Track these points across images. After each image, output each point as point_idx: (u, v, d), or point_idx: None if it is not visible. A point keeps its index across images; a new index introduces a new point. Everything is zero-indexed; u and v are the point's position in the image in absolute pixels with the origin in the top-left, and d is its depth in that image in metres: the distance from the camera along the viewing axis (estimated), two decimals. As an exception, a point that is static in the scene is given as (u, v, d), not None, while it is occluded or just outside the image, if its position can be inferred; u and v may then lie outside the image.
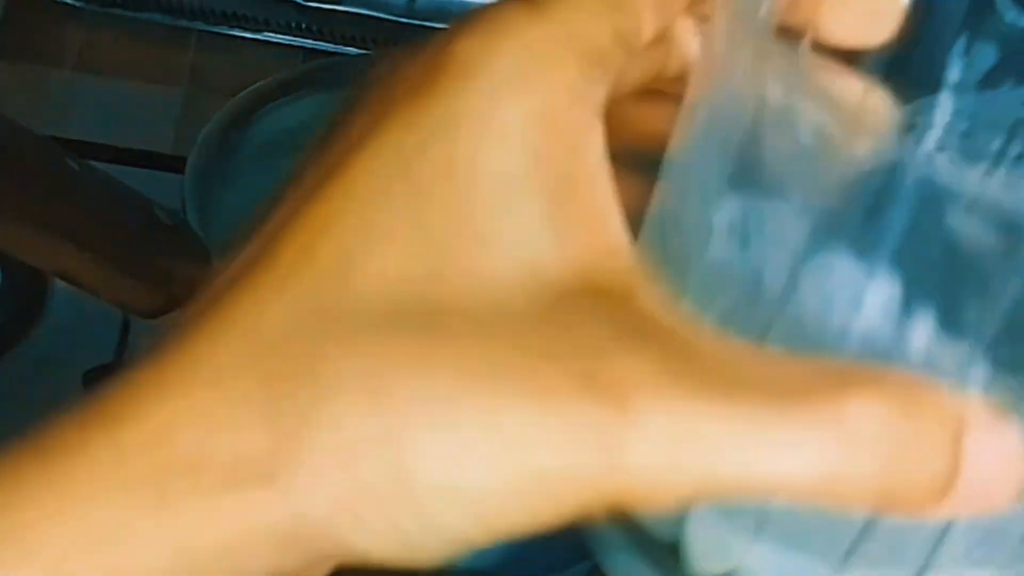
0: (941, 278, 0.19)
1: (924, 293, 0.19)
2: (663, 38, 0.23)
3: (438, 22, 0.71)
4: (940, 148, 0.25)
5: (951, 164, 0.24)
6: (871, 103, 0.23)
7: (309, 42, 0.72)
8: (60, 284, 0.62)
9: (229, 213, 0.61)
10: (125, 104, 0.70)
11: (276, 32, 0.72)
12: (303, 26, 0.73)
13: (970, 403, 0.18)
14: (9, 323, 0.62)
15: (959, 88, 0.25)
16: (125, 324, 0.58)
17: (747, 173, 0.21)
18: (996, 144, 0.25)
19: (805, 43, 0.22)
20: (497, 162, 0.20)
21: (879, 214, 0.19)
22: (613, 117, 0.21)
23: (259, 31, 0.72)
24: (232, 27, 0.72)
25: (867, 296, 0.20)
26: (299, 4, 0.72)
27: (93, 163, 0.52)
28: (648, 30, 0.22)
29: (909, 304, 0.19)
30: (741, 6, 0.21)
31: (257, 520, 0.19)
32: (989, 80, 0.25)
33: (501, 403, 0.18)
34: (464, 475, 0.18)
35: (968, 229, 0.18)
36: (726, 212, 0.21)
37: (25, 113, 0.56)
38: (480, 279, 0.19)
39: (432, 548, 0.19)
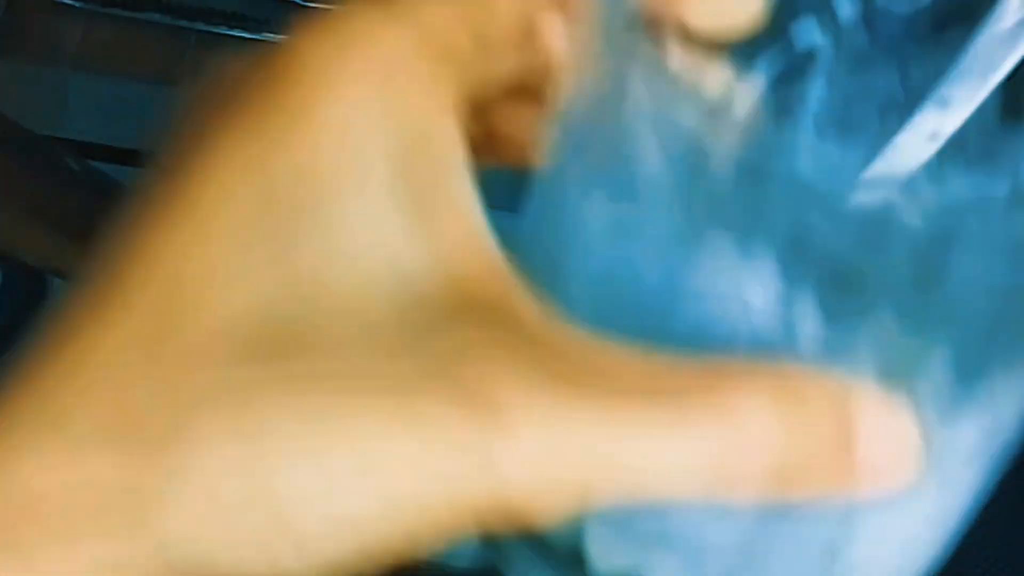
0: (824, 268, 0.18)
1: (808, 284, 0.19)
2: (528, 34, 0.22)
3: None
4: (818, 131, 0.25)
5: (827, 152, 0.24)
6: (737, 92, 0.23)
7: (309, 42, 0.73)
8: (60, 284, 0.62)
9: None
10: (124, 104, 0.70)
11: (276, 32, 0.72)
12: (303, 26, 0.73)
13: (859, 388, 0.18)
14: (9, 323, 0.62)
15: (830, 70, 0.24)
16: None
17: (618, 176, 0.20)
18: (872, 125, 0.24)
19: (670, 36, 0.21)
20: (354, 171, 0.19)
21: (759, 207, 0.19)
22: (482, 120, 0.21)
23: (259, 31, 0.72)
24: (232, 27, 0.72)
25: (753, 295, 0.19)
26: (299, 4, 0.72)
27: (93, 163, 0.52)
28: (506, 22, 0.21)
29: (794, 298, 0.19)
30: (605, 3, 0.20)
31: (119, 557, 0.17)
32: (859, 59, 0.24)
33: (368, 427, 0.17)
34: (336, 504, 0.17)
35: (844, 220, 0.18)
36: (599, 212, 0.21)
37: (24, 112, 0.56)
38: (344, 294, 0.19)
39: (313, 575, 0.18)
